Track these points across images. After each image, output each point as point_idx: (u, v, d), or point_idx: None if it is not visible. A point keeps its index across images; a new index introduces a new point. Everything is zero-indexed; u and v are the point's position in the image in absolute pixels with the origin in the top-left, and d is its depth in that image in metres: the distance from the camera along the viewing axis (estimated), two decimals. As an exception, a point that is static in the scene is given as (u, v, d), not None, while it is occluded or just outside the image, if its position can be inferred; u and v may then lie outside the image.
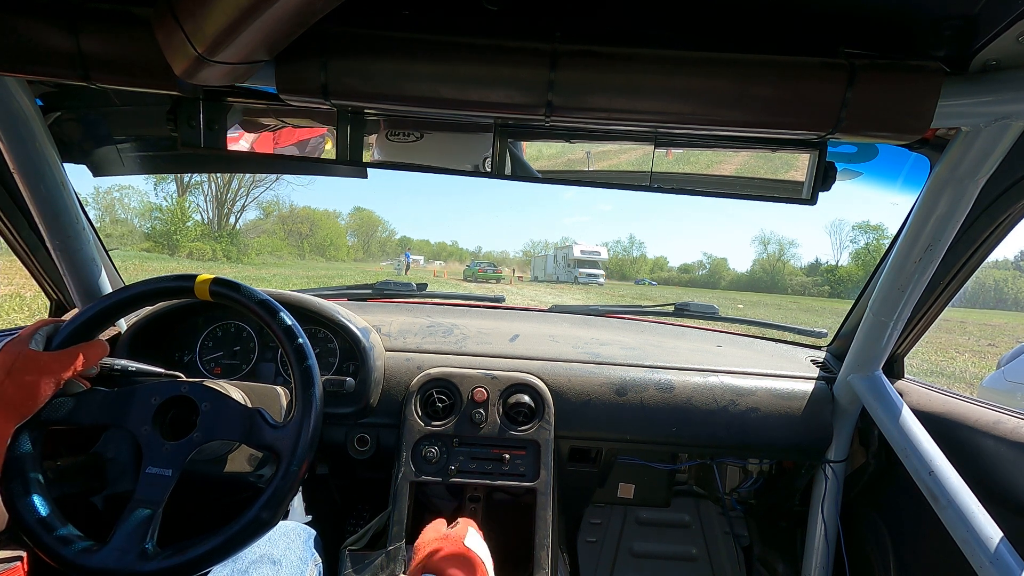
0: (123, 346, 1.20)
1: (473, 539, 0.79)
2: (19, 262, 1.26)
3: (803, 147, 0.86)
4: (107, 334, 1.21)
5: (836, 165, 0.85)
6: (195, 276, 0.84)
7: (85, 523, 0.80)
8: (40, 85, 0.99)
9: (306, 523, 1.08)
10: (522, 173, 0.93)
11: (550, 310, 1.77)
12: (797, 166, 0.88)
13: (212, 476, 0.98)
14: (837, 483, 1.36)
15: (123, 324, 1.26)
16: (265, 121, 0.93)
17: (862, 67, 0.68)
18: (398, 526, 1.14)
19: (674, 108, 0.72)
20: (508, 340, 1.43)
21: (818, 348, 1.59)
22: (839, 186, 0.88)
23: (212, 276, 0.83)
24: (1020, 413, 1.07)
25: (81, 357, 0.78)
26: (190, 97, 0.87)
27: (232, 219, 36.78)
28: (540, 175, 0.94)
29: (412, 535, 1.17)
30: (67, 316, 0.85)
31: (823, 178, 0.85)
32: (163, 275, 0.88)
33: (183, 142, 0.89)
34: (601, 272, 36.38)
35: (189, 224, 31.93)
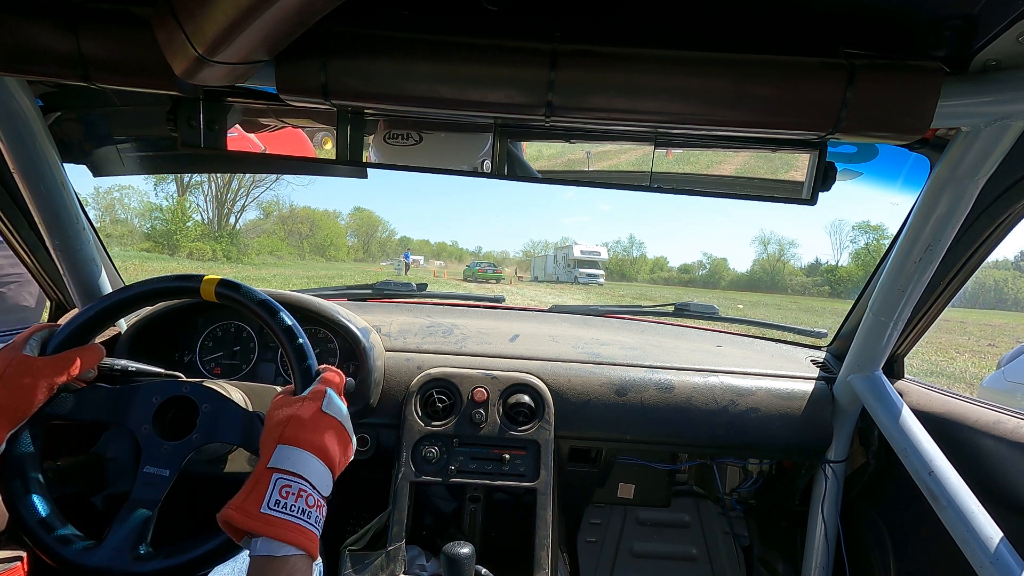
0: (123, 346, 1.20)
1: (333, 404, 0.71)
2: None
3: (803, 147, 0.86)
4: (107, 334, 1.21)
5: (836, 165, 0.85)
6: (201, 276, 0.84)
7: (85, 523, 0.80)
8: (40, 85, 0.99)
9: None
10: (522, 173, 0.93)
11: (550, 310, 1.77)
12: (797, 166, 0.88)
13: (212, 476, 0.98)
14: (837, 483, 1.36)
15: (123, 324, 1.26)
16: (265, 121, 0.93)
17: (862, 67, 0.68)
18: (398, 526, 1.13)
19: (674, 108, 0.72)
20: (508, 340, 1.43)
21: (818, 348, 1.59)
22: (839, 186, 0.88)
23: (218, 277, 0.83)
24: (1020, 413, 1.07)
25: (77, 361, 0.76)
26: (190, 97, 0.87)
27: (232, 219, 36.84)
28: (540, 175, 0.94)
29: (412, 535, 1.17)
30: (64, 319, 0.84)
31: (823, 178, 0.85)
32: (164, 275, 0.88)
33: (183, 142, 0.89)
34: (601, 272, 36.39)
35: (189, 224, 31.98)
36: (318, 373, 0.77)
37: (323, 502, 0.65)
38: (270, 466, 0.63)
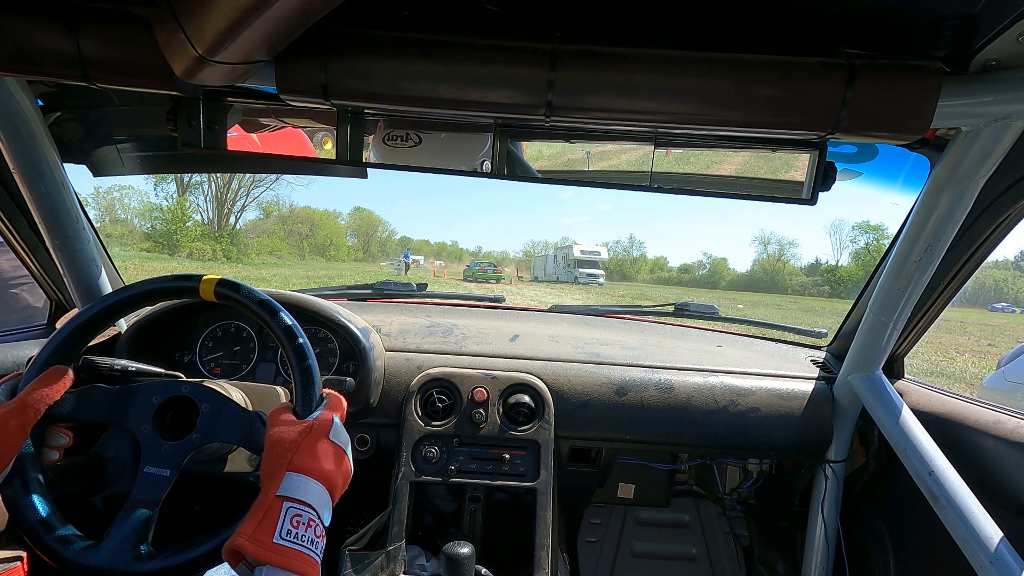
0: (123, 346, 1.20)
1: (339, 433, 0.73)
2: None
3: (803, 147, 0.86)
4: (107, 334, 1.21)
5: (836, 165, 0.86)
6: (200, 276, 0.84)
7: (85, 523, 0.80)
8: (40, 85, 0.99)
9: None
10: (522, 173, 0.93)
11: (550, 310, 1.77)
12: (797, 166, 0.88)
13: (212, 476, 0.98)
14: (837, 483, 1.36)
15: (123, 324, 1.26)
16: (265, 121, 0.93)
17: (862, 67, 0.68)
18: (398, 526, 1.14)
19: (674, 108, 0.72)
20: (508, 340, 1.43)
21: (818, 348, 1.59)
22: (839, 186, 0.88)
23: (218, 277, 0.83)
24: (1020, 413, 1.07)
25: (44, 392, 0.74)
26: (190, 97, 0.87)
27: (232, 219, 36.81)
28: (540, 175, 0.94)
29: (412, 535, 1.17)
30: (62, 320, 0.84)
31: (823, 178, 0.86)
32: (163, 275, 0.88)
33: (183, 142, 0.89)
34: (601, 272, 36.35)
35: (189, 224, 31.93)
36: (323, 399, 0.77)
37: (325, 532, 0.66)
38: (280, 494, 0.63)
